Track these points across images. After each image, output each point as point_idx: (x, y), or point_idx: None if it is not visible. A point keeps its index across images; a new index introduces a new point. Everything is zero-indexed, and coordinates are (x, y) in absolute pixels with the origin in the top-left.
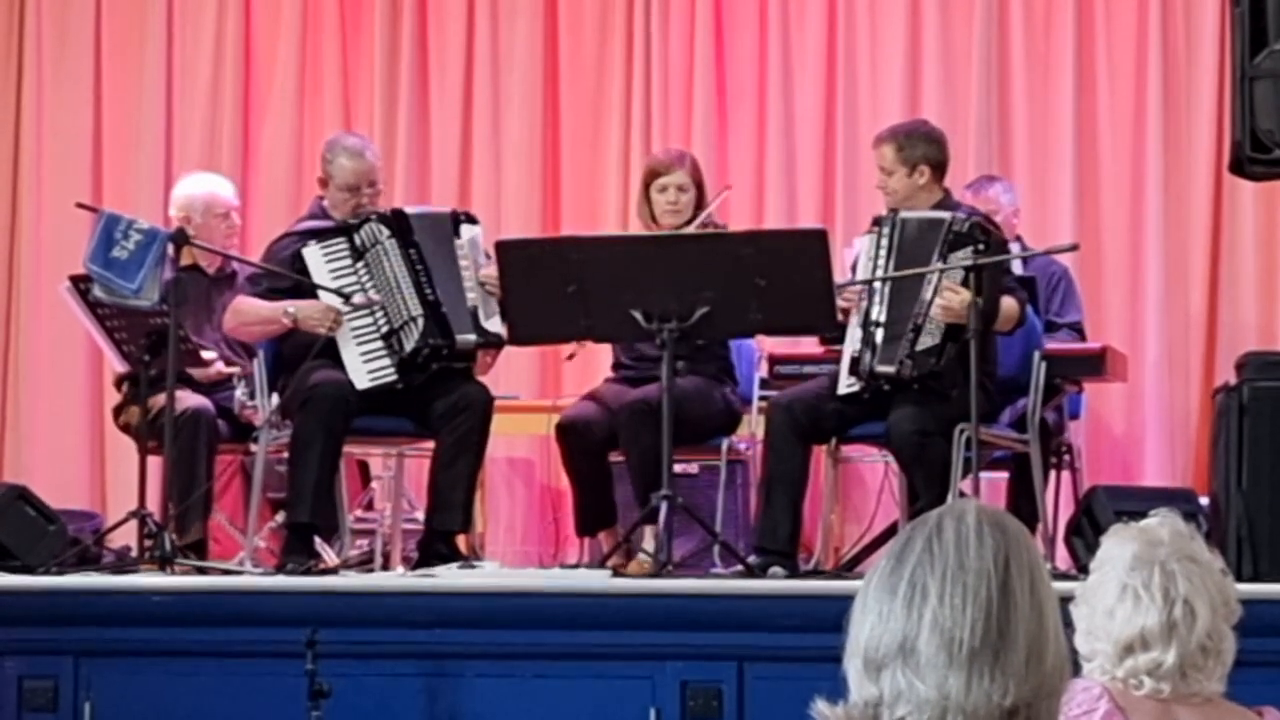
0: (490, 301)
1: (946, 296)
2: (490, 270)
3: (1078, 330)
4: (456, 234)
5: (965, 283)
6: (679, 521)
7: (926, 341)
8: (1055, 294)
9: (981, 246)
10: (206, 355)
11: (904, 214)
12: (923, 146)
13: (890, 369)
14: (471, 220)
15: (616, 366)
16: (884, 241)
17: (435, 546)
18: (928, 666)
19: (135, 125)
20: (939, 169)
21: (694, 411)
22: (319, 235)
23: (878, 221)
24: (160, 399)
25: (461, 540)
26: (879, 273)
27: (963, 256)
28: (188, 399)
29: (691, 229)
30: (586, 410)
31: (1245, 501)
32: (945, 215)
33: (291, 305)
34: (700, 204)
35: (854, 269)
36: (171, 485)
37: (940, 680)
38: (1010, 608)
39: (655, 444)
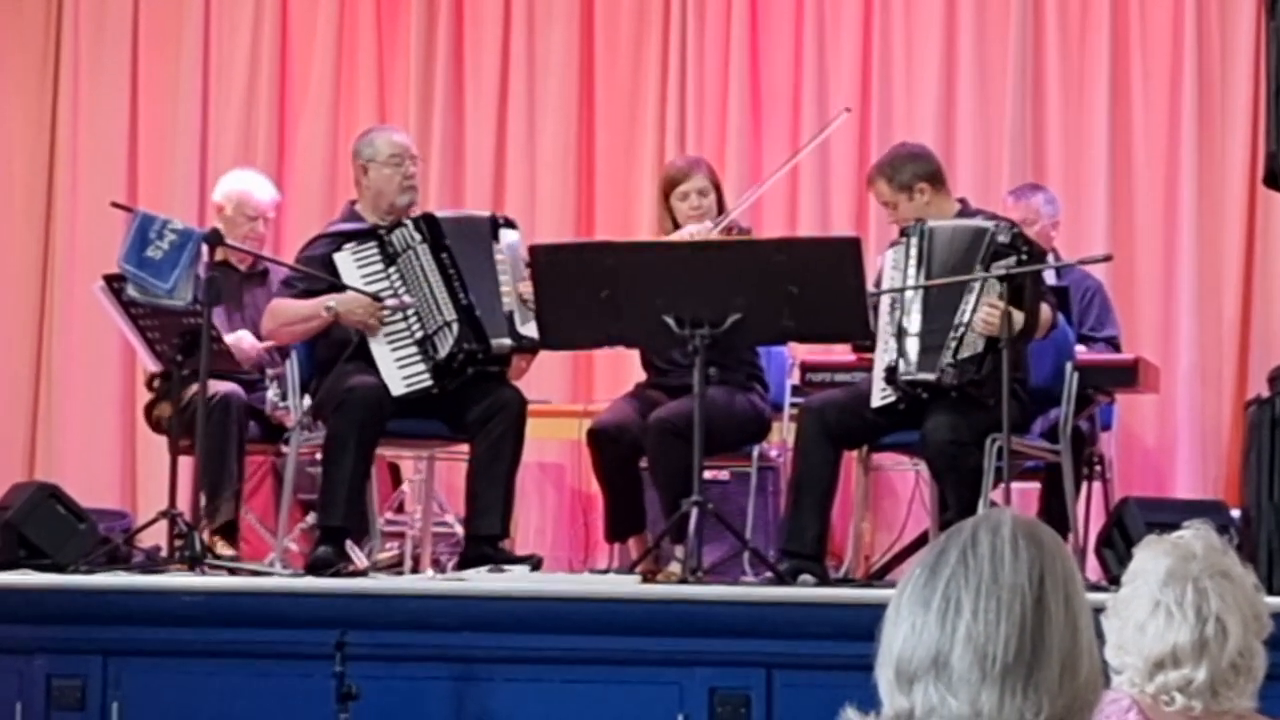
0: (526, 308)
1: (987, 311)
2: (529, 285)
3: (1114, 345)
4: (495, 238)
5: (1003, 295)
6: (709, 528)
7: (968, 351)
8: (1090, 308)
9: (1024, 256)
10: (237, 335)
11: (932, 223)
12: (909, 167)
13: (931, 376)
14: (511, 225)
15: (647, 369)
16: (913, 251)
17: (479, 550)
18: (960, 682)
19: (171, 125)
20: (935, 179)
21: (721, 426)
22: (351, 238)
23: (905, 232)
24: (192, 389)
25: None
26: (909, 282)
27: (1005, 266)
28: (217, 385)
29: (715, 232)
30: (618, 415)
31: (1276, 514)
32: (986, 225)
33: (332, 299)
34: (721, 209)
35: (878, 283)
36: (203, 471)
37: (973, 696)
38: (1044, 623)
39: (682, 462)
